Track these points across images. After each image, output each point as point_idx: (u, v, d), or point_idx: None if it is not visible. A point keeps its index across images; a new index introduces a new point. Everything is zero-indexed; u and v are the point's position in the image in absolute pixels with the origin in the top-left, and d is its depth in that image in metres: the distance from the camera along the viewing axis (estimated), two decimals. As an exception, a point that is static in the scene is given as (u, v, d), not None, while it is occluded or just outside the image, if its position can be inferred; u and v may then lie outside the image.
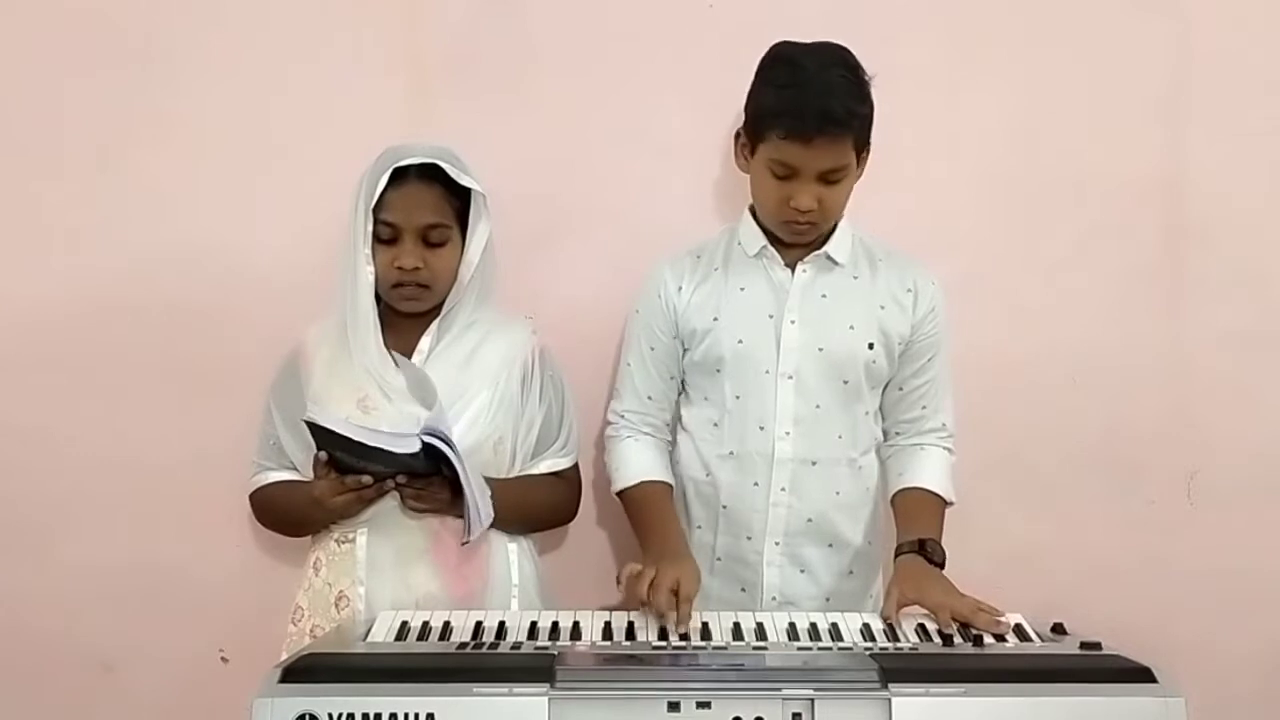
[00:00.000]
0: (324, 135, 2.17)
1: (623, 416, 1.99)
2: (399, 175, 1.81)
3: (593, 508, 2.21)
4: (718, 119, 2.15)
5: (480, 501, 1.75)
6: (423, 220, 1.83)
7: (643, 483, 1.93)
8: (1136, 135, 2.25)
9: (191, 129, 2.19)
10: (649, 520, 1.90)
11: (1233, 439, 2.28)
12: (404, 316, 1.90)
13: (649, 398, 1.98)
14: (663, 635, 1.64)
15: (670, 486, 1.95)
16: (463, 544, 1.79)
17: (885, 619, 1.71)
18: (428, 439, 1.69)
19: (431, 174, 1.83)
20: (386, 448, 1.68)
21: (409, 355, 1.88)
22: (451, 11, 2.21)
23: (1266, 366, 2.28)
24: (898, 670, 1.42)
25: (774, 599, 1.91)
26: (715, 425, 1.94)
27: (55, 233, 2.20)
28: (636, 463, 1.95)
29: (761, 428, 1.90)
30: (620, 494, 1.95)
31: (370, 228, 1.82)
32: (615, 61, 2.21)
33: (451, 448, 1.71)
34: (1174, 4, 2.24)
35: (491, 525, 1.82)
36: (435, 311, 1.90)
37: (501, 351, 1.91)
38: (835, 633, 1.67)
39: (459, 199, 1.86)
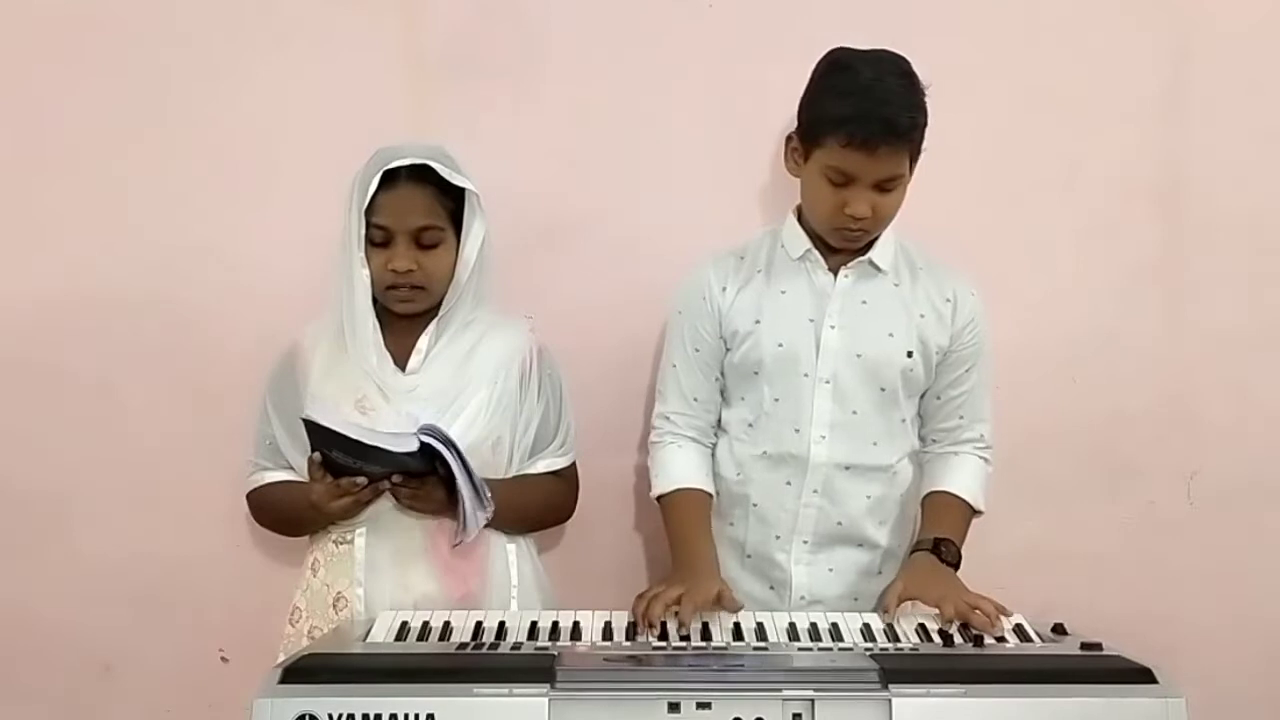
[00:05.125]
0: (324, 135, 2.16)
1: (669, 419, 1.96)
2: (390, 177, 1.81)
3: (598, 507, 2.20)
4: (718, 118, 2.16)
5: (475, 503, 1.75)
6: (415, 223, 1.82)
7: (679, 490, 1.90)
8: (1136, 135, 2.25)
9: (190, 128, 2.19)
10: (679, 530, 1.89)
11: (1233, 439, 2.28)
12: (402, 317, 1.89)
13: (695, 399, 1.95)
14: (663, 635, 1.64)
15: (709, 495, 1.92)
16: (454, 545, 1.80)
17: (883, 613, 1.71)
18: (425, 439, 1.69)
19: (423, 175, 1.82)
20: (384, 446, 1.69)
21: (407, 356, 1.88)
22: (452, 10, 2.21)
23: (1266, 366, 2.27)
24: (898, 670, 1.42)
25: (802, 598, 1.90)
26: (750, 426, 1.92)
27: (54, 232, 2.20)
28: (676, 469, 1.92)
29: (797, 430, 1.89)
30: (658, 499, 1.94)
31: (363, 230, 1.82)
32: (615, 61, 2.21)
33: (449, 448, 1.71)
34: (1173, 4, 2.24)
35: (489, 525, 1.82)
36: (433, 312, 1.90)
37: (499, 351, 1.91)
38: (835, 633, 1.67)
39: (452, 199, 1.85)
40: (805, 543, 1.90)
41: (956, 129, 2.20)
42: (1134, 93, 2.24)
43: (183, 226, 2.20)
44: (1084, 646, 1.55)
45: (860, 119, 1.74)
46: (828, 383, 1.88)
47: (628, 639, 1.63)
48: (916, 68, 1.81)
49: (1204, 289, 2.27)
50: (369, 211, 1.81)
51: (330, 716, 1.35)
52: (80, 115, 2.19)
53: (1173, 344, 2.27)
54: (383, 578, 1.83)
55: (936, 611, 1.69)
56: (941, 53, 2.19)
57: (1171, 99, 2.25)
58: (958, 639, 1.63)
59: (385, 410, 1.83)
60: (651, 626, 1.65)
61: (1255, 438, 2.28)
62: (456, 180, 1.84)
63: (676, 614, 1.66)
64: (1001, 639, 1.63)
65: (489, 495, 1.78)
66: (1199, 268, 2.27)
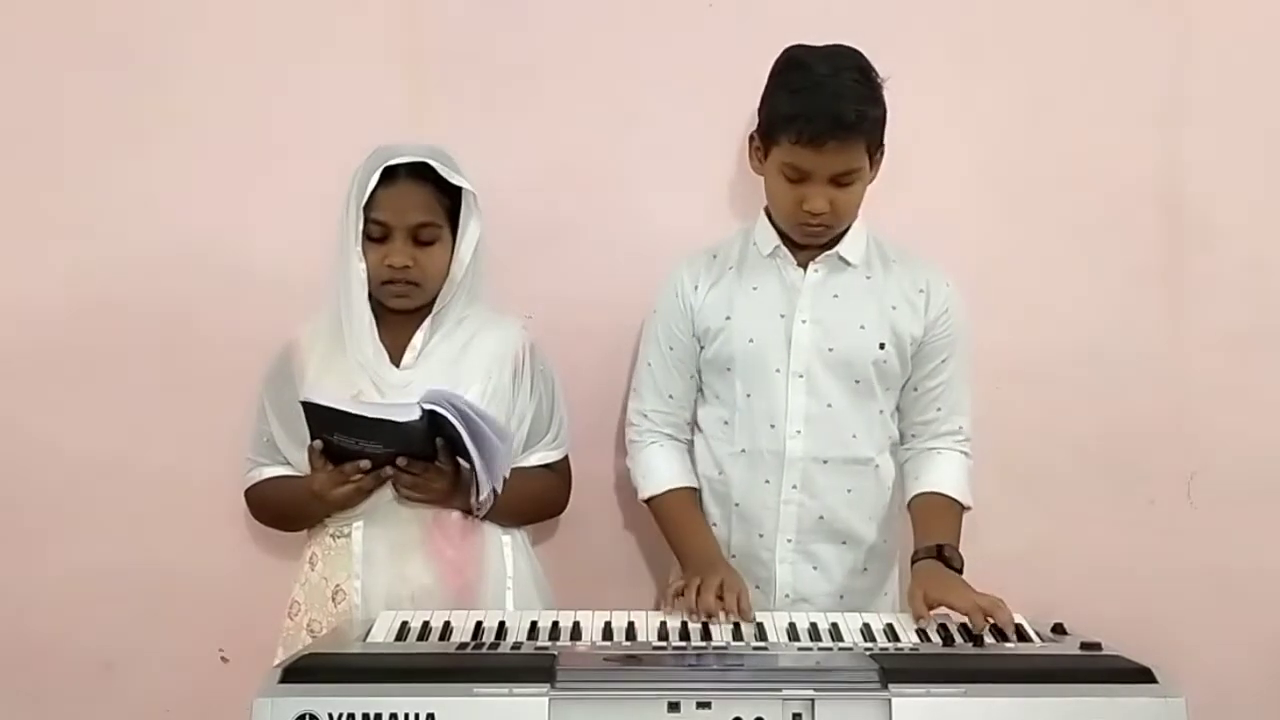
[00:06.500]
0: (323, 135, 2.17)
1: (646, 416, 1.98)
2: (390, 174, 1.83)
3: (591, 503, 2.20)
4: (717, 118, 2.16)
5: (482, 465, 1.74)
6: (413, 219, 1.84)
7: (670, 491, 1.94)
8: (1136, 135, 2.25)
9: (190, 128, 2.19)
10: (681, 530, 1.92)
11: (1233, 439, 2.27)
12: (396, 314, 1.91)
13: (670, 396, 1.97)
14: (663, 635, 1.64)
15: (696, 491, 1.96)
16: (475, 511, 1.82)
17: (917, 620, 1.69)
18: (429, 406, 1.69)
19: (422, 173, 1.85)
20: (388, 418, 1.69)
21: (402, 352, 1.89)
22: (451, 11, 2.21)
23: (1266, 366, 2.27)
24: (898, 670, 1.42)
25: (787, 596, 1.91)
26: (726, 423, 1.94)
27: (53, 231, 2.20)
28: (662, 470, 1.95)
29: (772, 426, 1.90)
30: (648, 501, 1.96)
31: (361, 226, 1.83)
32: (614, 61, 2.21)
33: (456, 411, 1.70)
34: (1173, 4, 2.24)
35: (485, 518, 1.84)
36: (428, 308, 1.91)
37: (492, 347, 1.92)
38: (835, 633, 1.67)
39: (450, 198, 1.87)
40: (789, 541, 1.91)
41: (958, 130, 2.22)
42: (1135, 94, 2.24)
43: (182, 226, 2.19)
44: (1084, 646, 1.55)
45: (808, 115, 1.76)
46: (801, 377, 1.89)
47: (628, 639, 1.63)
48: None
49: (1204, 289, 2.27)
50: (367, 207, 1.83)
51: (330, 716, 1.35)
52: (78, 115, 2.19)
53: (1173, 344, 2.27)
54: (380, 570, 1.84)
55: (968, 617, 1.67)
56: (942, 54, 2.21)
57: (1172, 100, 2.25)
58: (957, 639, 1.63)
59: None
60: (710, 616, 1.68)
61: (1255, 438, 2.28)
62: (455, 180, 1.85)
63: (733, 603, 1.70)
64: (1004, 636, 1.63)
65: (500, 435, 1.76)
66: (1199, 268, 2.27)
